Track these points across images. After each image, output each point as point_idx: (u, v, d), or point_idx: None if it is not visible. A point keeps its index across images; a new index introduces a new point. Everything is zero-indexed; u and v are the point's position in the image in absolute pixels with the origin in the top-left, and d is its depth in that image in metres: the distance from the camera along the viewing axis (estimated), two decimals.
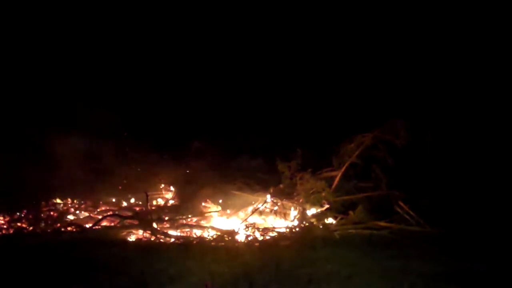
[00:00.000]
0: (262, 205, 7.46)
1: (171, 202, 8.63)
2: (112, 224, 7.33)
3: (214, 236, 6.76)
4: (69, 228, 7.06)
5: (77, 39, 10.11)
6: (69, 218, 7.65)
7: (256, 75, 10.93)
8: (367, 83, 10.42)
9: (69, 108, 8.99)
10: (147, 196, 7.64)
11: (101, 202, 8.40)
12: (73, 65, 9.85)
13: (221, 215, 7.77)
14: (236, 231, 6.83)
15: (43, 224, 7.18)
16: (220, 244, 6.43)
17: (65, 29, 9.99)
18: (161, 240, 6.61)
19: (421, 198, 7.37)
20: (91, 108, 8.69)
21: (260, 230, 7.00)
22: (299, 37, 11.13)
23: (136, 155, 8.81)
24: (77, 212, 7.97)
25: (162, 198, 8.87)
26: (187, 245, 6.31)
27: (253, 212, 7.41)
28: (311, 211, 7.44)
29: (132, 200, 8.56)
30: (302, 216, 7.27)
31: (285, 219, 7.32)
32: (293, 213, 7.50)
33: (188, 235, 6.93)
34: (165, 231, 6.89)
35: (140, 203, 8.31)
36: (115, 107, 9.22)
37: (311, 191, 7.49)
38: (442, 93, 9.52)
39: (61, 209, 7.96)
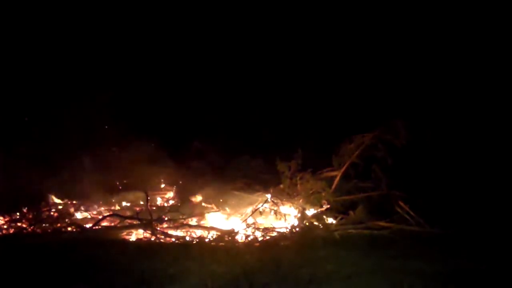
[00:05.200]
0: (262, 205, 7.46)
1: (171, 202, 8.64)
2: (112, 224, 7.33)
3: (214, 236, 6.76)
4: (69, 228, 7.07)
5: (77, 38, 10.11)
6: (69, 218, 7.66)
7: (256, 75, 10.94)
8: (367, 83, 10.42)
9: (68, 108, 9.01)
10: (147, 196, 7.64)
11: (101, 202, 8.41)
12: (73, 64, 9.84)
13: (221, 215, 7.77)
14: (236, 231, 6.83)
15: (43, 224, 7.19)
16: (220, 244, 6.43)
17: (66, 29, 9.99)
18: (161, 240, 6.61)
19: (421, 198, 7.36)
20: (91, 108, 8.72)
21: (260, 230, 7.00)
22: (299, 37, 11.14)
23: (136, 155, 8.80)
24: (77, 212, 7.97)
25: (162, 198, 8.88)
26: (187, 245, 6.31)
27: (253, 212, 7.41)
28: (311, 211, 7.44)
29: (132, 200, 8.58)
30: (302, 216, 7.27)
31: (285, 219, 7.31)
32: (293, 213, 7.51)
33: (188, 235, 6.93)
34: (165, 231, 6.90)
35: (141, 202, 8.32)
36: (115, 107, 9.24)
37: (311, 191, 7.49)
38: (442, 93, 9.53)
39: (61, 209, 7.97)
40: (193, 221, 7.44)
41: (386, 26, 10.53)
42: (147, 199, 7.61)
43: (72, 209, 7.97)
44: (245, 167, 8.87)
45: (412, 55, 10.17)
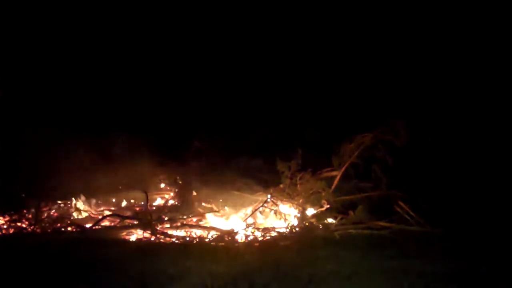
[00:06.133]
0: (262, 205, 7.46)
1: (171, 202, 8.64)
2: (112, 224, 7.34)
3: (214, 236, 6.76)
4: (69, 228, 7.07)
5: (76, 38, 10.11)
6: (69, 218, 7.66)
7: (256, 75, 10.93)
8: (367, 83, 10.41)
9: (68, 107, 9.02)
10: (147, 196, 7.64)
11: (101, 202, 8.41)
12: (73, 64, 9.85)
13: (221, 215, 7.77)
14: (236, 231, 6.83)
15: (43, 224, 7.19)
16: (220, 244, 6.43)
17: (64, 29, 9.99)
18: (161, 240, 6.61)
19: (421, 198, 7.36)
20: (91, 108, 8.72)
21: (260, 230, 7.00)
22: (299, 36, 11.13)
23: (136, 155, 8.80)
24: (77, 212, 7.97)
25: (162, 198, 8.87)
26: (187, 245, 6.31)
27: (253, 212, 7.41)
28: (311, 211, 7.44)
29: (132, 200, 8.58)
30: (302, 216, 7.27)
31: (285, 219, 7.31)
32: (293, 213, 7.51)
33: (188, 235, 6.93)
34: (165, 231, 6.89)
35: (140, 203, 8.32)
36: (115, 107, 9.25)
37: (311, 191, 7.49)
38: (442, 93, 9.52)
39: (61, 209, 7.97)
40: (193, 221, 7.45)
41: (386, 26, 10.53)
42: (147, 199, 7.61)
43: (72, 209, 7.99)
44: (245, 167, 8.88)
45: (412, 55, 10.16)
